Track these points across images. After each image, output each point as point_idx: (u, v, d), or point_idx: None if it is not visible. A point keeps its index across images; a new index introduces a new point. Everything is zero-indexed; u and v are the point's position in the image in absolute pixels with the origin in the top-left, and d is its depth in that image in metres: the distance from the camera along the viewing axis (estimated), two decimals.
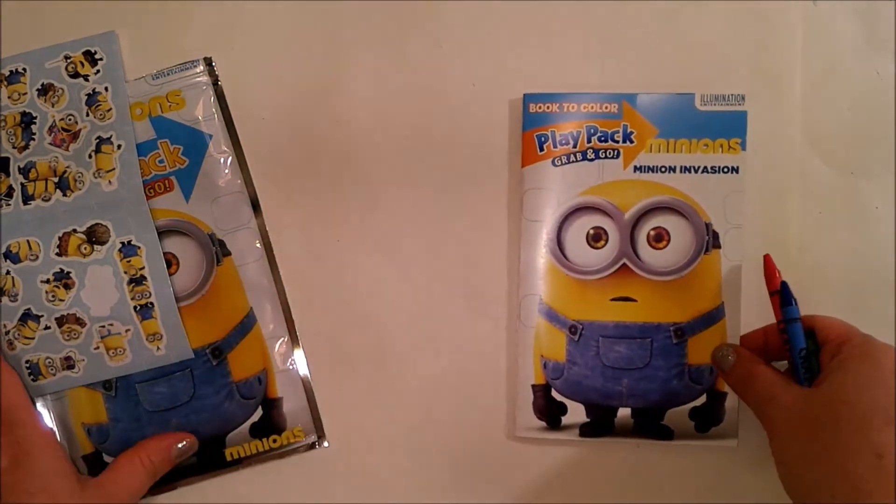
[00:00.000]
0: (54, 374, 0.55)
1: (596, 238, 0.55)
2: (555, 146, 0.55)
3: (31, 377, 0.54)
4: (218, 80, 0.57)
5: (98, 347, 0.55)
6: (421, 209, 0.57)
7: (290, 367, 0.56)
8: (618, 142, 0.55)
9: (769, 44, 0.57)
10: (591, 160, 0.55)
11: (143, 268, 0.55)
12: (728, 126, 0.54)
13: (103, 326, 0.54)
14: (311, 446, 0.57)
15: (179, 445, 0.54)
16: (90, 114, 0.55)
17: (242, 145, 0.57)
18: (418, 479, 0.57)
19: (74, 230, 0.54)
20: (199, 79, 0.56)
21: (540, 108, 0.55)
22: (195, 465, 0.56)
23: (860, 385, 0.44)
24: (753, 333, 0.54)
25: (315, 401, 0.57)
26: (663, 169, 0.54)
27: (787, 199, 0.56)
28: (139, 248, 0.55)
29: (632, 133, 0.55)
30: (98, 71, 0.56)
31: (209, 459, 0.56)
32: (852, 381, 0.44)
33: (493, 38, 0.57)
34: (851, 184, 0.57)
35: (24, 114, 0.55)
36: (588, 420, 0.55)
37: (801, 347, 0.49)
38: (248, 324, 0.56)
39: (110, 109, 0.55)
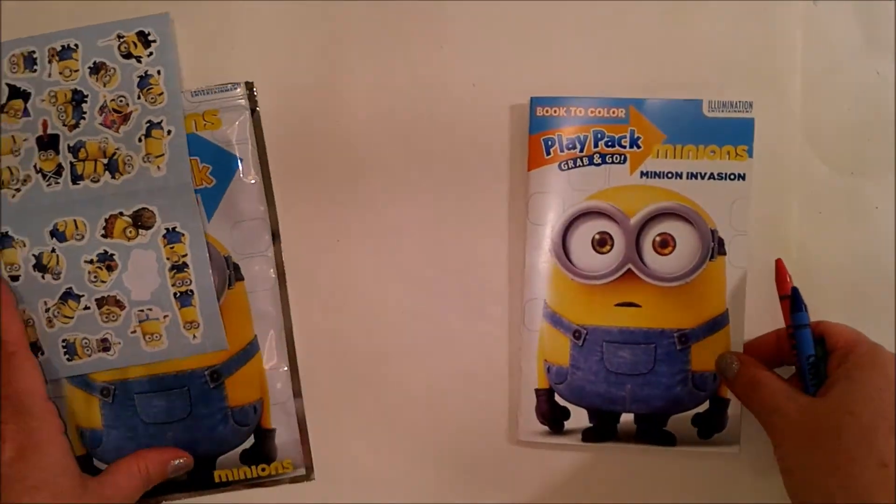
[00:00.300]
0: (89, 355, 0.54)
1: (601, 243, 0.55)
2: (561, 150, 0.54)
3: (67, 357, 0.54)
4: (257, 106, 0.56)
5: (135, 331, 0.54)
6: (423, 212, 0.57)
7: (286, 400, 0.56)
8: (625, 147, 0.54)
9: (769, 44, 0.57)
10: (598, 165, 0.54)
11: (185, 255, 0.54)
12: (735, 133, 0.54)
13: (142, 311, 0.54)
14: (298, 479, 0.57)
15: (176, 462, 0.54)
16: (141, 96, 0.54)
17: (272, 173, 0.56)
18: (420, 483, 0.57)
19: (121, 213, 0.54)
20: (238, 102, 0.55)
21: (547, 111, 0.54)
22: (184, 482, 0.56)
23: (865, 394, 0.44)
24: (766, 336, 0.54)
25: (307, 435, 0.57)
26: (670, 175, 0.54)
27: (788, 200, 0.56)
28: (183, 235, 0.54)
29: (639, 138, 0.54)
30: (151, 53, 0.54)
31: (198, 479, 0.56)
32: (857, 391, 0.44)
33: (496, 39, 0.57)
34: (851, 184, 0.57)
35: (75, 91, 0.54)
36: (591, 425, 0.55)
37: (810, 354, 0.49)
38: (250, 351, 0.55)
39: (162, 94, 0.54)
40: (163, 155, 0.54)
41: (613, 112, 0.54)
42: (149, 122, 0.54)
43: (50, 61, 0.54)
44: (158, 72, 0.54)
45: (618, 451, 0.56)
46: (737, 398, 0.52)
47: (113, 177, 0.54)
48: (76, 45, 0.54)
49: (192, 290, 0.54)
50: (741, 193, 0.54)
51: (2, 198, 0.54)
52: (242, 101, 0.56)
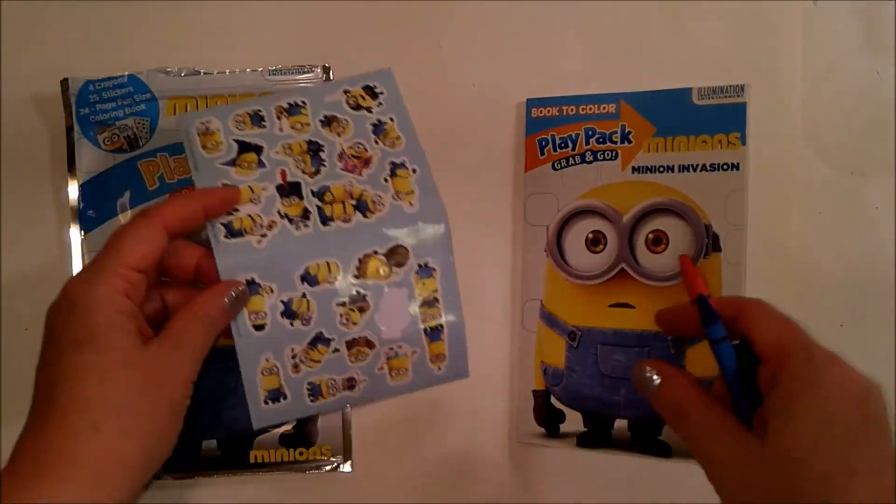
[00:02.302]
0: (334, 395, 0.53)
1: (595, 242, 0.54)
2: (554, 150, 0.54)
3: (311, 398, 0.53)
4: None
5: (382, 368, 0.53)
6: None
7: None
8: (616, 142, 0.54)
9: (769, 44, 0.57)
10: (590, 162, 0.54)
11: (436, 290, 0.54)
12: (727, 120, 0.52)
13: (391, 349, 0.53)
14: (335, 468, 0.56)
15: (232, 293, 0.49)
16: (378, 141, 0.54)
17: None
18: (419, 483, 0.57)
19: (375, 251, 0.53)
20: (313, 84, 0.56)
21: (542, 112, 0.55)
22: (219, 460, 0.55)
23: (810, 433, 0.37)
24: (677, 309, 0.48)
25: (350, 423, 0.56)
26: (662, 169, 0.53)
27: (787, 200, 0.56)
28: (434, 269, 0.54)
29: (629, 133, 0.54)
30: (380, 104, 0.55)
31: (233, 459, 0.55)
32: (801, 431, 0.37)
33: (495, 40, 0.57)
34: (851, 184, 0.56)
35: (310, 142, 0.54)
36: (585, 430, 0.54)
37: (734, 370, 0.42)
38: None
39: (399, 137, 0.55)
40: (412, 192, 0.54)
41: (604, 108, 0.54)
42: (391, 163, 0.54)
43: (278, 117, 0.54)
44: (391, 119, 0.55)
45: (611, 459, 0.54)
46: (663, 418, 0.45)
47: (365, 215, 0.53)
48: (303, 103, 0.55)
49: (441, 325, 0.54)
50: (736, 185, 0.52)
51: (246, 244, 0.51)
52: (318, 83, 0.56)
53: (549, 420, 0.54)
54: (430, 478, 0.57)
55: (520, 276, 0.56)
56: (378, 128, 0.54)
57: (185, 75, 0.56)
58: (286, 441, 0.56)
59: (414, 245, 0.53)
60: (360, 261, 0.52)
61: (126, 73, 0.56)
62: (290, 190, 0.53)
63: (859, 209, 0.56)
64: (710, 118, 0.52)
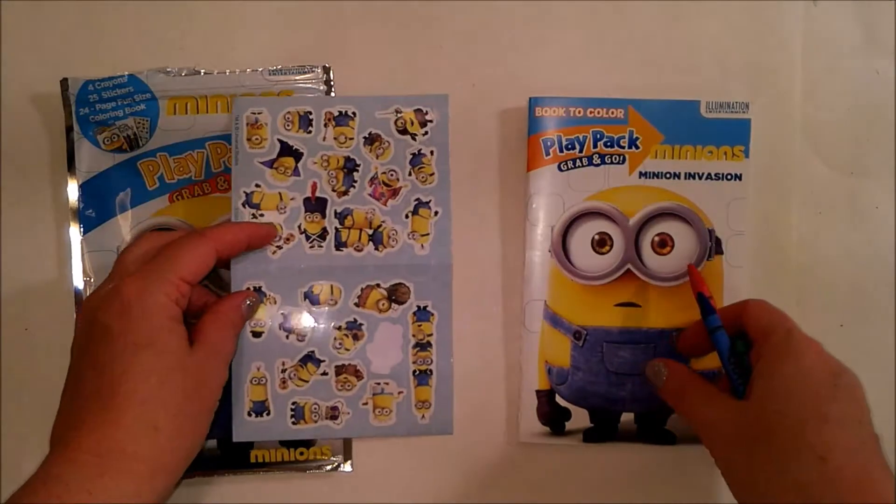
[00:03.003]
0: (315, 422, 0.54)
1: (601, 243, 0.55)
2: (560, 151, 0.54)
3: (293, 420, 0.54)
4: (332, 90, 0.56)
5: (367, 403, 0.54)
6: None
7: None
8: (623, 147, 0.54)
9: (769, 44, 0.57)
10: (597, 165, 0.54)
11: (431, 335, 0.55)
12: (732, 133, 0.54)
13: (378, 384, 0.54)
14: (335, 467, 0.56)
15: (248, 301, 0.52)
16: (412, 174, 0.55)
17: None
18: (422, 483, 0.57)
19: (378, 284, 0.54)
20: (312, 85, 0.56)
21: (546, 112, 0.55)
22: (220, 458, 0.55)
23: (785, 388, 0.43)
24: (698, 324, 0.52)
25: None
26: (668, 175, 0.54)
27: (787, 200, 0.56)
28: (433, 314, 0.55)
29: (637, 139, 0.54)
30: (427, 133, 0.55)
31: (234, 458, 0.56)
32: (778, 386, 0.43)
33: (496, 40, 0.57)
34: (851, 184, 0.57)
35: (347, 159, 0.54)
36: (591, 425, 0.55)
37: (727, 355, 0.48)
38: None
39: (433, 174, 0.55)
40: (428, 234, 0.55)
41: (612, 112, 0.54)
42: (417, 199, 0.55)
43: (326, 125, 0.54)
44: (431, 152, 0.55)
45: (619, 451, 0.56)
46: (669, 405, 0.51)
47: (376, 248, 0.54)
48: (354, 114, 0.55)
49: (431, 370, 0.55)
50: (738, 193, 0.54)
51: (262, 253, 0.54)
52: (318, 84, 0.56)
53: (554, 419, 0.55)
54: (431, 478, 0.57)
55: (520, 277, 0.56)
56: (416, 158, 0.55)
57: (185, 75, 0.56)
58: (287, 441, 0.56)
59: (416, 286, 0.54)
60: (362, 290, 0.54)
61: (126, 72, 0.55)
62: (315, 206, 0.54)
63: (859, 209, 0.57)
64: (717, 131, 0.54)
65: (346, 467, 0.56)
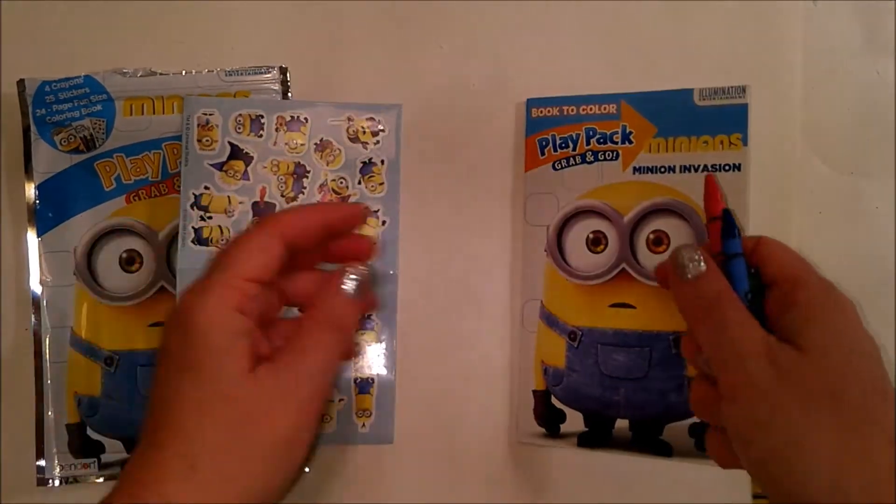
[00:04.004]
0: None
1: (595, 242, 0.54)
2: (555, 150, 0.54)
3: None
4: (289, 91, 0.57)
5: None
6: (423, 212, 0.57)
7: None
8: (617, 143, 0.54)
9: (769, 44, 0.57)
10: (591, 163, 0.54)
11: (374, 343, 0.55)
12: (728, 121, 0.52)
13: None
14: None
15: (351, 280, 0.42)
16: (362, 182, 0.55)
17: None
18: (418, 482, 0.57)
19: None
20: (269, 85, 0.56)
21: (542, 112, 0.54)
22: None
23: (848, 347, 0.37)
24: None
25: None
26: (663, 169, 0.53)
27: (787, 200, 0.56)
28: (377, 323, 0.55)
29: (630, 133, 0.54)
30: (378, 142, 0.56)
31: None
32: (838, 343, 0.37)
33: (495, 40, 0.57)
34: (851, 184, 0.56)
35: (297, 164, 0.55)
36: (586, 430, 0.54)
37: (745, 290, 0.41)
38: None
39: (382, 184, 0.55)
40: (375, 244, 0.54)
41: (605, 108, 0.54)
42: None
43: (277, 129, 0.55)
44: (382, 161, 0.55)
45: (611, 459, 0.54)
46: (679, 303, 0.42)
47: None
48: (306, 119, 0.55)
49: (372, 379, 0.55)
50: (737, 185, 0.51)
51: (209, 254, 0.54)
52: (275, 84, 0.56)
53: (549, 420, 0.54)
54: (429, 477, 0.57)
55: (520, 276, 0.56)
56: (366, 167, 0.55)
57: (141, 76, 0.56)
58: None
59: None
60: None
61: (82, 73, 0.56)
62: (264, 210, 0.54)
63: (859, 209, 0.56)
64: (712, 119, 0.52)
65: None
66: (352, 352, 0.44)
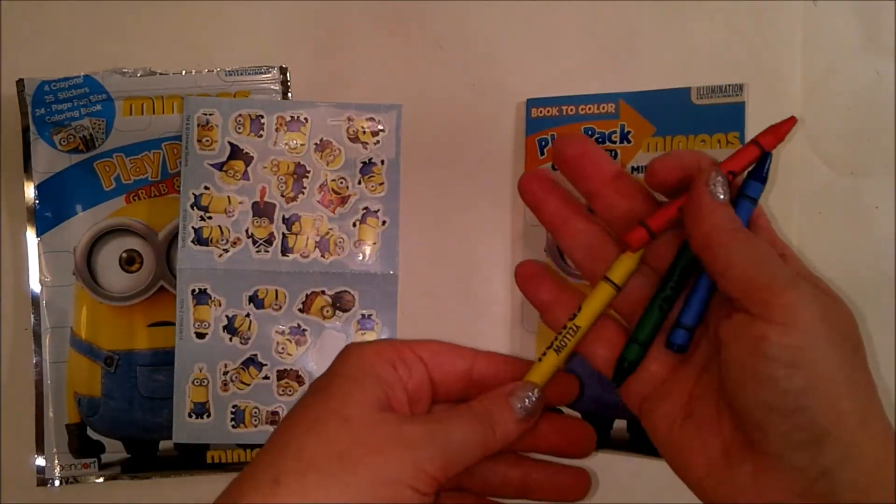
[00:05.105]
0: (256, 426, 0.54)
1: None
2: None
3: (233, 424, 0.55)
4: (289, 91, 0.57)
5: None
6: (423, 212, 0.57)
7: None
8: (615, 142, 0.54)
9: (769, 44, 0.57)
10: None
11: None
12: (726, 119, 0.52)
13: None
14: None
15: (524, 401, 0.38)
16: (362, 182, 0.55)
17: None
18: None
19: (323, 291, 0.55)
20: (269, 85, 0.56)
21: (541, 112, 0.55)
22: (176, 459, 0.55)
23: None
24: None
25: None
26: None
27: (788, 200, 0.56)
28: (377, 324, 0.55)
29: (629, 133, 0.54)
30: (378, 142, 0.56)
31: (190, 459, 0.56)
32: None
33: (495, 40, 0.57)
34: (851, 184, 0.56)
35: (297, 164, 0.55)
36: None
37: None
38: None
39: (382, 184, 0.55)
40: (375, 243, 0.55)
41: (603, 108, 0.54)
42: (366, 208, 0.55)
43: (277, 129, 0.55)
44: (382, 161, 0.55)
45: (611, 459, 0.54)
46: (699, 228, 0.36)
47: (322, 255, 0.55)
48: (306, 119, 0.55)
49: None
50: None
51: (208, 255, 0.55)
52: (275, 85, 0.56)
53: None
54: None
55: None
56: (366, 167, 0.55)
57: (140, 76, 0.57)
58: (244, 443, 0.56)
59: (361, 295, 0.55)
60: (307, 296, 0.54)
61: (82, 73, 0.56)
62: (263, 210, 0.54)
63: (859, 209, 0.56)
64: (709, 118, 0.52)
65: None
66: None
